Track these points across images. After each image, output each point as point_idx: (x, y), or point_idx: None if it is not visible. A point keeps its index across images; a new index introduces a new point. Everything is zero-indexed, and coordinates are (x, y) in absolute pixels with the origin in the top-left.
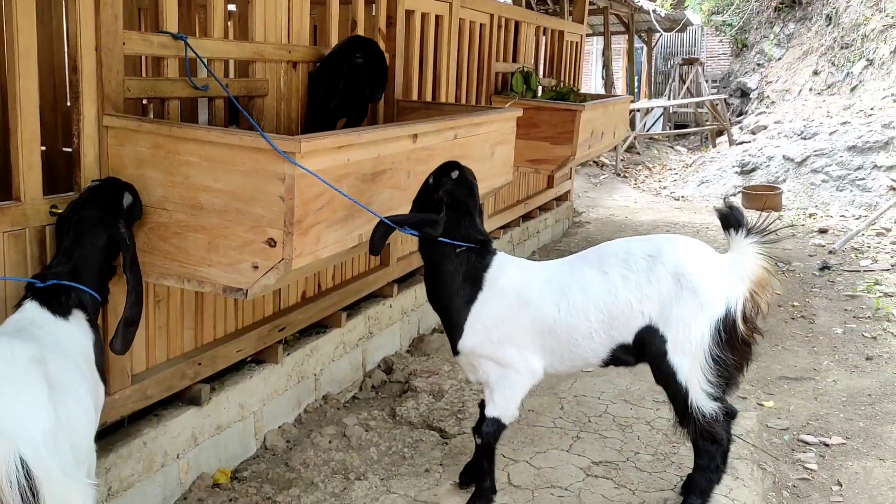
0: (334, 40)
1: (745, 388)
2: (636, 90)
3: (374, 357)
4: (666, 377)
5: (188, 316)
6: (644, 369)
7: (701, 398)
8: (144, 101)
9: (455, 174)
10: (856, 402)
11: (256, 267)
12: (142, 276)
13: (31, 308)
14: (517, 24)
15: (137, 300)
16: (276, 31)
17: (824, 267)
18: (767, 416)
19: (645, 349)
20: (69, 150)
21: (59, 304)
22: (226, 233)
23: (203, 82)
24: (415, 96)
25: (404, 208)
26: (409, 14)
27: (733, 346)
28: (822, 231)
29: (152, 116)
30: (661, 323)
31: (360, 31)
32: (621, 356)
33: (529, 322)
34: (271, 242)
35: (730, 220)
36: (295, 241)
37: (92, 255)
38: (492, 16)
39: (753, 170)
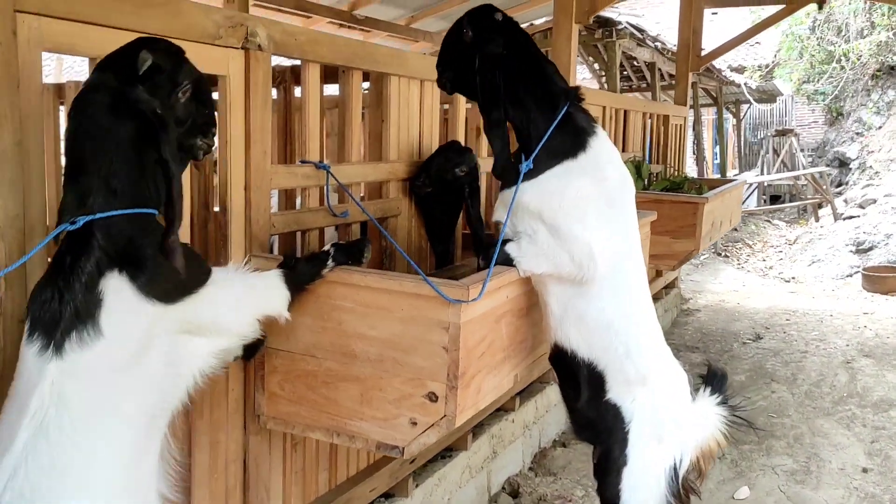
0: None
1: None
2: (723, 162)
3: (499, 478)
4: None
5: (322, 458)
6: (805, 497)
7: None
8: None
9: (499, 16)
10: None
11: (415, 423)
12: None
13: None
14: (626, 113)
15: (181, 197)
16: (409, 148)
17: None
18: None
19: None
20: None
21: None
22: (381, 384)
23: (342, 209)
24: None
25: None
26: None
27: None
28: None
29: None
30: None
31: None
32: None
33: None
34: (432, 397)
35: (712, 381)
36: (459, 395)
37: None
38: (604, 108)
39: (870, 248)
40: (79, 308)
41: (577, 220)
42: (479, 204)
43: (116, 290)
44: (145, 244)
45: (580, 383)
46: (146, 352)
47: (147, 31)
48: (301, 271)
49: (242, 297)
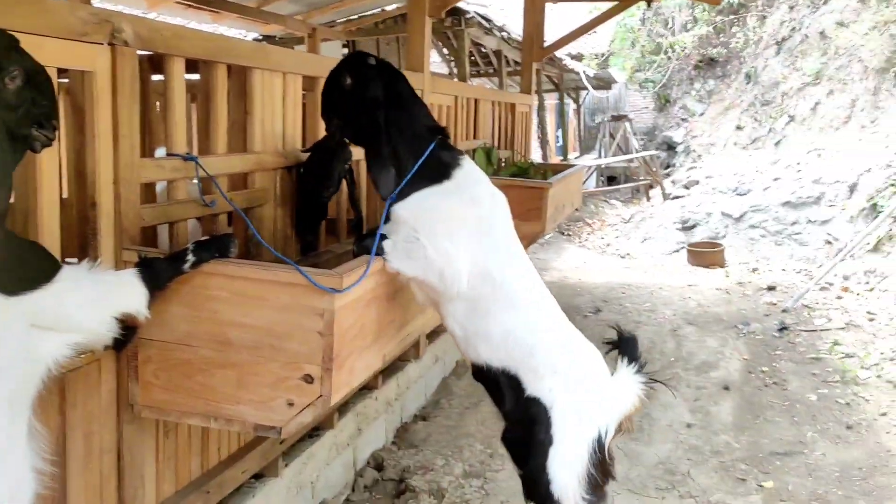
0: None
1: (741, 467)
2: (566, 146)
3: (364, 454)
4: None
5: (195, 442)
6: (639, 452)
7: None
8: None
9: (372, 61)
10: (849, 476)
11: (292, 404)
12: None
13: None
14: (476, 101)
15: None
16: (273, 139)
17: (782, 328)
18: (770, 498)
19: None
20: None
21: None
22: (257, 369)
23: (210, 199)
24: None
25: (420, 319)
26: None
27: (603, 469)
28: (771, 288)
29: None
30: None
31: None
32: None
33: None
34: (308, 379)
35: (625, 349)
36: (334, 376)
37: None
38: (456, 97)
39: (694, 226)
40: None
41: (447, 238)
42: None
43: None
44: None
45: (503, 390)
46: None
47: (14, 28)
48: (158, 269)
49: (94, 295)
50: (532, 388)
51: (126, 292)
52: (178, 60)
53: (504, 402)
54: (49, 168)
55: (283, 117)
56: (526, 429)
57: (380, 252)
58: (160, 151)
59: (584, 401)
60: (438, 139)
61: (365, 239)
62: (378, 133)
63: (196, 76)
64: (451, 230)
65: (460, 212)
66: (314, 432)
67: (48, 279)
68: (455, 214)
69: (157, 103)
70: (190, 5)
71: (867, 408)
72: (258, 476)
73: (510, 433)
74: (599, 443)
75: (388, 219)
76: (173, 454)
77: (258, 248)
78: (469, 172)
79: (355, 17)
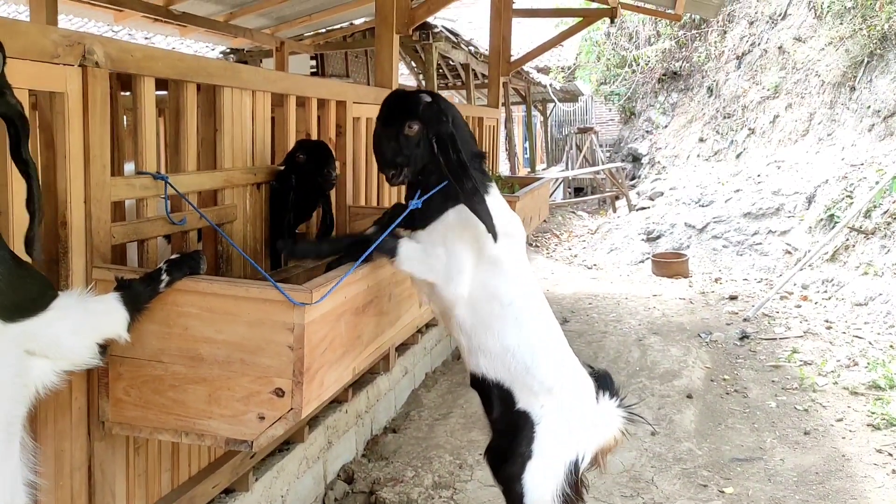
0: None
1: (703, 474)
2: (533, 158)
3: (334, 467)
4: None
5: (165, 458)
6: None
7: None
8: None
9: (427, 97)
10: (806, 481)
11: (263, 418)
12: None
13: None
14: None
15: (40, 192)
16: (243, 155)
17: (744, 336)
18: (731, 503)
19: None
20: None
21: None
22: (229, 384)
23: (179, 217)
24: (362, 201)
25: (389, 333)
26: (356, 121)
27: (576, 491)
28: (733, 298)
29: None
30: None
31: None
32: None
33: None
34: (279, 392)
35: (604, 384)
36: (304, 389)
37: None
38: None
39: (659, 237)
40: None
41: (463, 251)
42: None
43: None
44: None
45: (492, 400)
46: None
47: None
48: (137, 291)
49: (82, 323)
50: (524, 402)
51: (110, 318)
52: (149, 80)
53: (493, 411)
54: (21, 185)
55: (252, 134)
56: (509, 439)
57: (392, 254)
58: (129, 167)
59: (570, 424)
60: (477, 163)
61: (361, 244)
62: (460, 166)
63: (163, 92)
64: (467, 246)
65: (478, 232)
66: (284, 446)
67: (45, 307)
68: (474, 233)
69: (125, 118)
70: (157, 19)
71: (824, 414)
72: (228, 491)
73: (494, 446)
74: (575, 466)
75: (411, 226)
76: (144, 470)
77: (227, 264)
78: (494, 199)
79: (323, 30)
